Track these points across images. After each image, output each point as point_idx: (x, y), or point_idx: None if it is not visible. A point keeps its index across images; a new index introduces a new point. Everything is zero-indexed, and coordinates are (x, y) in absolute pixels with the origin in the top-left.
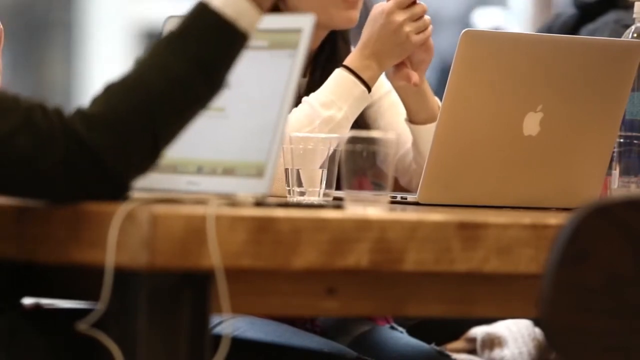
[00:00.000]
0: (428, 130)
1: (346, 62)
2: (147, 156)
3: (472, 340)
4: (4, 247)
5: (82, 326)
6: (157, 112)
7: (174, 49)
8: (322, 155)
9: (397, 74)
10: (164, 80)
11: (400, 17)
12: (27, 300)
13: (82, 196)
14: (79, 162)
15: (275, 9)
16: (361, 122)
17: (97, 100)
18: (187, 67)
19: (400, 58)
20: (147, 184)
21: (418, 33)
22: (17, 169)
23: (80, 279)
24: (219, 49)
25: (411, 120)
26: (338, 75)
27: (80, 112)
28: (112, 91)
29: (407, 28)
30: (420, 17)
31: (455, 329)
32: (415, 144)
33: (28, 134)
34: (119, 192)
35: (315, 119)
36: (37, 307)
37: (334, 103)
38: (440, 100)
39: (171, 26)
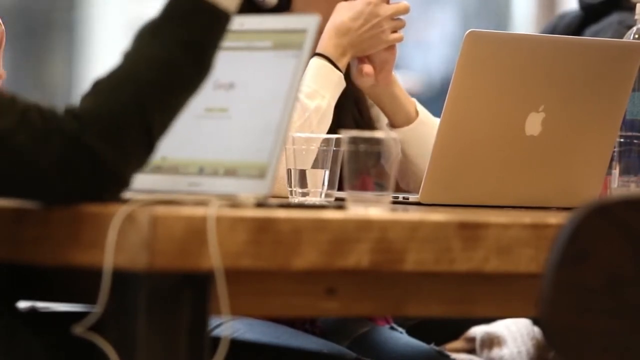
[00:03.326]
0: (407, 133)
1: (322, 49)
2: (143, 148)
3: (472, 339)
4: (2, 248)
5: (79, 329)
6: (149, 102)
7: (157, 36)
8: (324, 156)
9: (358, 71)
10: (152, 69)
11: (385, 11)
12: (23, 304)
13: (79, 195)
14: (75, 161)
15: (279, 9)
16: (364, 122)
17: (87, 98)
18: (174, 53)
19: (368, 51)
20: (148, 185)
21: (393, 32)
22: (15, 168)
23: (80, 281)
24: (203, 30)
25: (391, 124)
26: (316, 64)
27: (71, 111)
28: (101, 87)
29: (386, 24)
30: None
31: (455, 329)
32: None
33: (25, 133)
34: (117, 188)
35: (306, 112)
36: (33, 311)
37: (318, 92)
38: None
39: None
